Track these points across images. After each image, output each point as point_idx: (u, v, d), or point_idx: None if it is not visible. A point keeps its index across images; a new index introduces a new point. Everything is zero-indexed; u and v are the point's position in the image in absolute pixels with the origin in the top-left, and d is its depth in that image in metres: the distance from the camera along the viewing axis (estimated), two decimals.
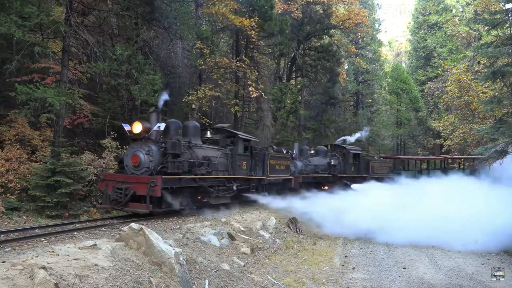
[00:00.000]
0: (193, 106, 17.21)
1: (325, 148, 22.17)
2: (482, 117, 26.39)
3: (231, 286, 7.39)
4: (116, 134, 14.23)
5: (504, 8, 16.61)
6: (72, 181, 10.91)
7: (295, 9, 25.65)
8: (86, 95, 13.99)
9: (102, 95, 15.41)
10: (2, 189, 10.34)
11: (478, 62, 25.85)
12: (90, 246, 6.26)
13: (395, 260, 10.68)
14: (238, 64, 19.12)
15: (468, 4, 39.37)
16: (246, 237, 10.41)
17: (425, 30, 46.70)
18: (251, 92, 19.84)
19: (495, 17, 15.80)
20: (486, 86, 23.54)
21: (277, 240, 11.82)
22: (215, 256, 8.40)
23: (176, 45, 19.66)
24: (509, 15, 15.50)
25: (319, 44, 29.73)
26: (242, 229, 11.02)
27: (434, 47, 44.84)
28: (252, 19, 19.08)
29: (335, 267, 9.75)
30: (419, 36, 46.73)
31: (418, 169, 30.64)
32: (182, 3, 16.29)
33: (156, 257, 6.45)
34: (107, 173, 11.78)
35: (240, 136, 14.16)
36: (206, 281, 7.01)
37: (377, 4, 44.83)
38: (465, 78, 25.91)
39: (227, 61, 18.77)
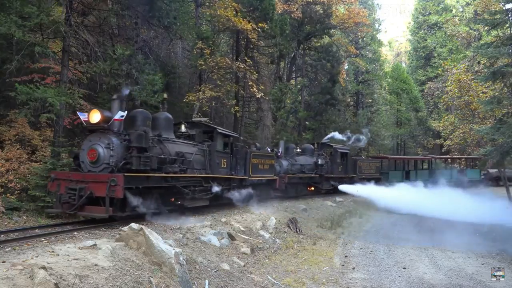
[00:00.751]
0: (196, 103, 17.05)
1: (312, 146, 21.40)
2: (482, 117, 26.39)
3: (231, 286, 7.39)
4: None
5: (504, 8, 16.61)
6: None
7: (295, 9, 25.69)
8: (86, 95, 13.99)
9: (102, 95, 15.39)
10: (2, 189, 10.33)
11: (478, 62, 25.87)
12: (90, 246, 6.27)
13: (395, 260, 10.67)
14: (240, 66, 19.13)
15: (468, 4, 39.42)
16: (246, 237, 10.41)
17: (425, 30, 46.75)
18: (255, 93, 19.78)
19: (495, 17, 15.80)
20: (486, 86, 23.54)
21: (277, 240, 11.81)
22: (215, 256, 8.40)
23: (176, 45, 19.69)
24: (509, 15, 15.50)
25: (319, 44, 29.78)
26: (242, 229, 11.02)
27: (434, 47, 44.89)
28: (256, 24, 19.09)
29: (335, 267, 9.75)
30: (419, 36, 46.77)
31: (406, 170, 30.37)
32: (182, 3, 16.30)
33: (156, 257, 6.45)
34: (59, 171, 10.07)
35: (219, 130, 12.79)
36: (206, 281, 7.01)
37: (377, 4, 44.99)
38: (465, 78, 25.92)
39: (228, 61, 18.79)
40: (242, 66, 19.08)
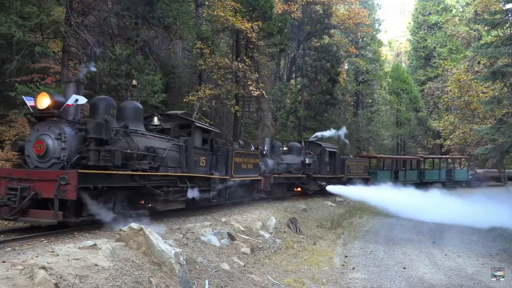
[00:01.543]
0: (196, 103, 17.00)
1: (299, 144, 20.29)
2: (482, 117, 26.44)
3: (231, 286, 7.38)
4: None
5: (504, 8, 16.64)
6: None
7: (295, 9, 25.71)
8: (86, 95, 13.97)
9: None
10: None
11: (478, 62, 25.91)
12: (90, 246, 6.26)
13: (395, 260, 10.67)
14: (240, 65, 19.14)
15: (468, 4, 39.44)
16: (246, 237, 10.41)
17: (425, 30, 46.78)
18: (252, 91, 19.72)
19: (495, 17, 15.83)
20: (486, 86, 23.59)
21: (277, 240, 11.81)
22: (215, 256, 8.40)
23: (176, 45, 19.72)
24: (509, 15, 15.53)
25: (319, 44, 29.81)
26: (242, 229, 11.02)
27: (434, 47, 44.91)
28: (254, 23, 19.08)
29: (335, 267, 9.74)
30: (419, 36, 46.79)
31: (395, 170, 30.19)
32: (182, 3, 16.33)
33: (156, 257, 6.45)
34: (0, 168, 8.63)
35: (197, 124, 11.33)
36: (206, 281, 7.01)
37: (377, 4, 45.03)
38: (465, 78, 25.96)
39: (228, 61, 18.80)
40: (241, 66, 19.09)
